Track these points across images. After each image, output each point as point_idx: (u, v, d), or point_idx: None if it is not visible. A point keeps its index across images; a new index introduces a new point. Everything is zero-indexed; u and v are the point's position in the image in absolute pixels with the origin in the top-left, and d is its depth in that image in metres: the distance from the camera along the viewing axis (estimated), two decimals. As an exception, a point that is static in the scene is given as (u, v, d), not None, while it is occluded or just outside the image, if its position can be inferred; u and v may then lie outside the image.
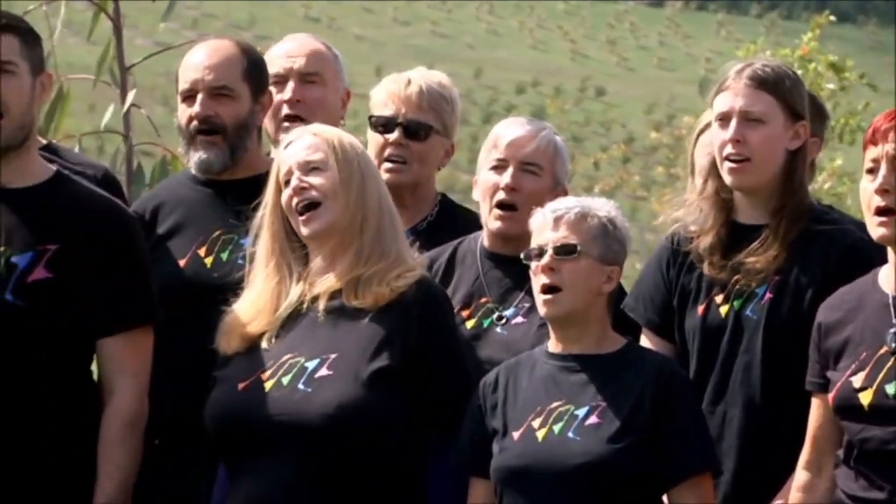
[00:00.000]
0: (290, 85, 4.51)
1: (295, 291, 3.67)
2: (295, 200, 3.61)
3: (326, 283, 3.64)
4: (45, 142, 4.39)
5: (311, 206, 3.60)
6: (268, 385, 3.61)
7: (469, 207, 4.69)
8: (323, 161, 3.60)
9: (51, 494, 3.75)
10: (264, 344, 3.63)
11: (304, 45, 4.81)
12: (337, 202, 3.57)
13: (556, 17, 61.65)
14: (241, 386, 3.64)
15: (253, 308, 3.69)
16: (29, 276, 3.71)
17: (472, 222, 4.41)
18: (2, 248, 3.71)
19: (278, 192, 3.69)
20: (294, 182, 3.60)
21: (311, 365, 3.64)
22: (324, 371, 3.59)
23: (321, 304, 3.63)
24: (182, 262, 4.16)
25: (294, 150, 3.71)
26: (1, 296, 3.68)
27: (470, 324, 4.18)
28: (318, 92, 4.62)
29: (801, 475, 3.67)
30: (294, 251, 3.71)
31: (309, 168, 3.59)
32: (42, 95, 3.97)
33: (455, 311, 4.07)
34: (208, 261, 4.02)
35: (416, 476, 3.68)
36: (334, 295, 3.63)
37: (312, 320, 3.65)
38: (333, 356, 3.62)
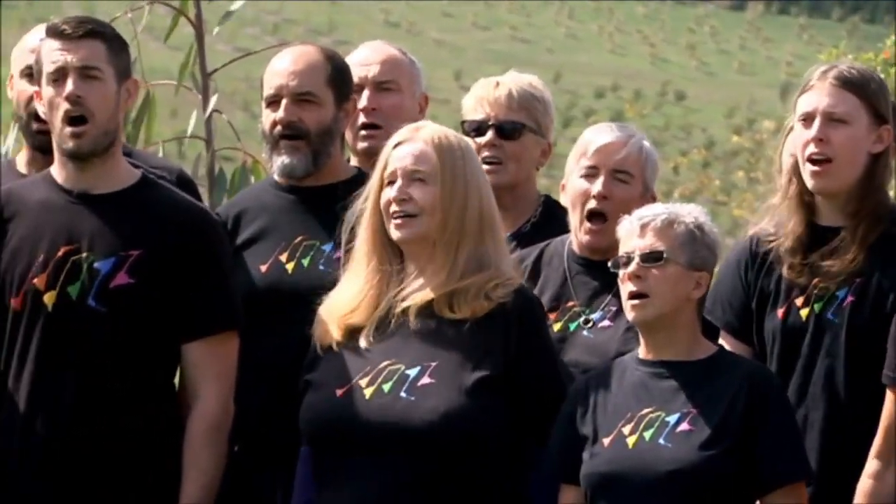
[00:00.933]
0: (366, 93, 4.52)
1: (391, 292, 3.68)
2: (393, 207, 3.63)
3: (420, 293, 3.65)
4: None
5: (406, 215, 3.65)
6: (367, 392, 3.63)
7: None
8: (429, 174, 3.58)
9: (136, 498, 3.77)
10: (362, 342, 3.63)
11: (378, 53, 4.82)
12: (434, 218, 3.58)
13: (635, 21, 61.56)
14: (339, 392, 3.65)
15: (354, 300, 3.68)
16: (111, 282, 3.72)
17: None
18: (85, 254, 3.74)
19: (381, 189, 3.68)
20: (396, 190, 3.60)
21: (412, 373, 3.65)
22: (426, 379, 3.62)
23: (413, 312, 3.64)
24: (264, 268, 4.16)
25: (403, 153, 3.68)
26: (84, 301, 3.71)
27: (556, 327, 4.16)
28: (394, 99, 4.62)
29: (872, 464, 3.65)
30: (393, 249, 3.72)
31: (414, 178, 3.58)
32: (128, 101, 4.01)
33: None
34: (290, 266, 4.02)
35: (516, 484, 3.70)
36: (428, 304, 3.66)
37: (405, 326, 3.65)
38: (434, 364, 3.63)
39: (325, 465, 3.72)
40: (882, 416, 3.67)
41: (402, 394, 3.60)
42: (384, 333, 3.65)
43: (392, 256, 3.72)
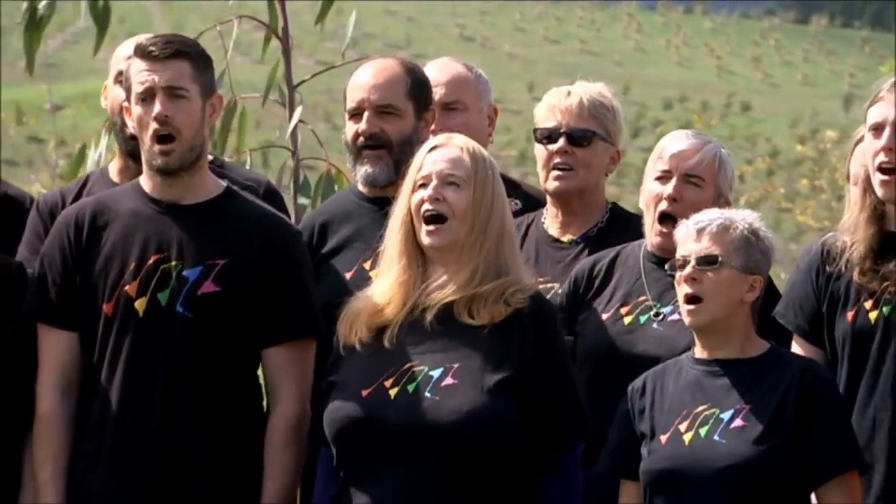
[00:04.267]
0: (436, 115, 4.60)
1: (416, 294, 3.69)
2: (425, 207, 3.60)
3: (441, 294, 3.65)
4: (211, 157, 4.43)
5: (438, 219, 3.60)
6: (392, 392, 3.62)
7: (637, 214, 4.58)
8: (463, 179, 3.59)
9: (221, 495, 3.83)
10: (386, 343, 3.62)
11: (443, 73, 4.86)
12: (464, 223, 3.58)
13: (702, 34, 61.04)
14: (364, 392, 3.65)
15: (383, 299, 3.67)
16: (199, 290, 3.78)
17: (642, 228, 4.43)
18: (174, 262, 3.80)
19: (412, 192, 3.69)
20: (430, 190, 3.59)
21: (435, 374, 3.64)
22: (449, 380, 3.61)
23: (431, 314, 3.64)
24: (348, 275, 4.20)
25: (438, 157, 3.68)
26: (172, 307, 3.78)
27: (627, 319, 4.21)
28: (461, 118, 4.66)
29: None
30: (420, 251, 3.72)
31: (447, 181, 3.58)
32: (212, 117, 4.05)
33: (614, 307, 4.18)
34: (373, 274, 3.98)
35: (529, 481, 3.70)
36: (448, 307, 3.65)
37: (427, 328, 3.66)
38: (456, 366, 3.63)
39: (351, 465, 3.72)
40: None
41: (427, 394, 3.62)
42: (407, 335, 3.66)
43: (419, 258, 3.73)
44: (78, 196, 4.45)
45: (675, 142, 4.25)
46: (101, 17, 5.96)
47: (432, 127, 4.46)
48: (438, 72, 4.82)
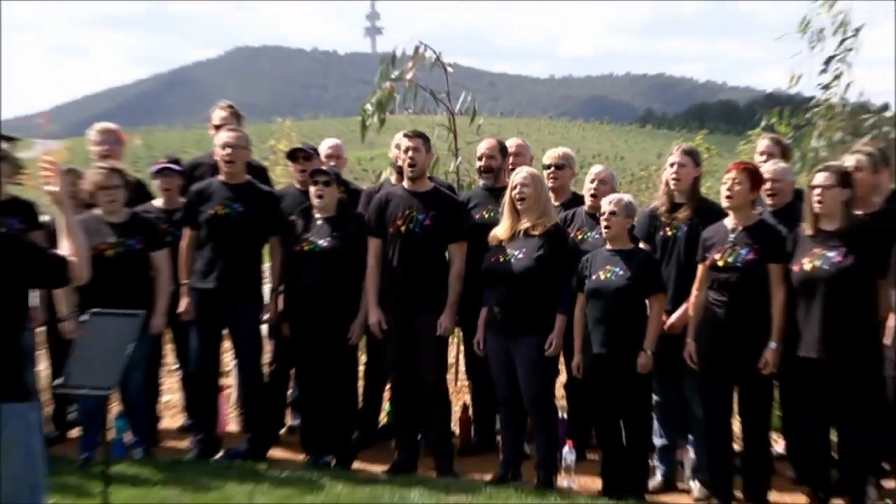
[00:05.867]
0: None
1: (517, 225, 7.10)
2: (516, 192, 7.10)
3: (526, 225, 7.02)
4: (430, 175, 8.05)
5: (522, 200, 7.07)
6: (501, 258, 7.08)
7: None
8: (531, 182, 7.12)
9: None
10: (504, 243, 7.09)
11: (513, 141, 8.71)
12: (533, 200, 7.08)
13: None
14: (492, 259, 7.12)
15: (502, 229, 7.11)
16: (424, 223, 7.40)
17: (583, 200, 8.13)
18: (415, 213, 7.33)
19: (512, 188, 7.15)
20: (519, 187, 7.07)
21: (518, 253, 6.99)
22: (522, 255, 7.03)
23: (524, 232, 7.03)
24: (477, 216, 8.17)
25: (520, 172, 7.23)
26: (414, 231, 7.29)
27: (579, 236, 7.73)
28: (521, 161, 8.36)
29: None
30: (516, 210, 7.10)
31: (524, 184, 7.07)
32: (429, 158, 7.57)
33: (573, 232, 7.64)
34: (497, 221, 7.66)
35: (554, 295, 7.04)
36: (525, 229, 7.03)
37: (520, 237, 7.04)
38: (525, 249, 6.98)
39: (491, 287, 7.14)
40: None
41: (513, 260, 7.02)
42: (512, 240, 7.06)
43: (515, 212, 7.10)
44: (378, 189, 8.19)
45: (595, 168, 7.75)
46: (380, 125, 9.51)
47: (510, 162, 8.27)
48: (512, 140, 8.51)
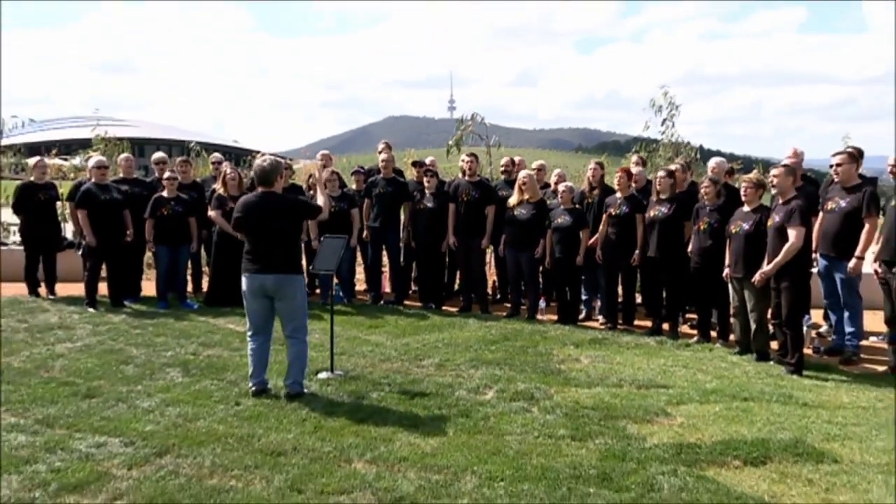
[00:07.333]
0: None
1: (521, 198, 12.44)
2: (521, 177, 12.47)
3: (526, 196, 12.45)
4: None
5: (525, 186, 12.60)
6: (514, 213, 12.39)
7: None
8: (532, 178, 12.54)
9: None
10: (514, 207, 12.46)
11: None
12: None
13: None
14: (509, 214, 12.45)
15: (513, 200, 12.40)
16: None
17: None
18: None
19: (519, 187, 12.50)
20: (524, 178, 12.34)
21: (522, 212, 12.43)
22: (524, 212, 12.38)
23: (525, 200, 12.45)
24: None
25: (526, 173, 12.59)
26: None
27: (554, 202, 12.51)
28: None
29: None
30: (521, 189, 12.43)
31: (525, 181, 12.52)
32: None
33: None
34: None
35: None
36: (527, 199, 12.45)
37: (523, 203, 12.65)
38: (525, 210, 12.51)
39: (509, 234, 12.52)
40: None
41: (518, 214, 12.44)
42: (519, 205, 12.37)
43: (521, 192, 12.39)
44: (454, 181, 13.86)
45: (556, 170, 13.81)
46: (458, 151, 16.54)
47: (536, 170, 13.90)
48: (537, 162, 14.06)
